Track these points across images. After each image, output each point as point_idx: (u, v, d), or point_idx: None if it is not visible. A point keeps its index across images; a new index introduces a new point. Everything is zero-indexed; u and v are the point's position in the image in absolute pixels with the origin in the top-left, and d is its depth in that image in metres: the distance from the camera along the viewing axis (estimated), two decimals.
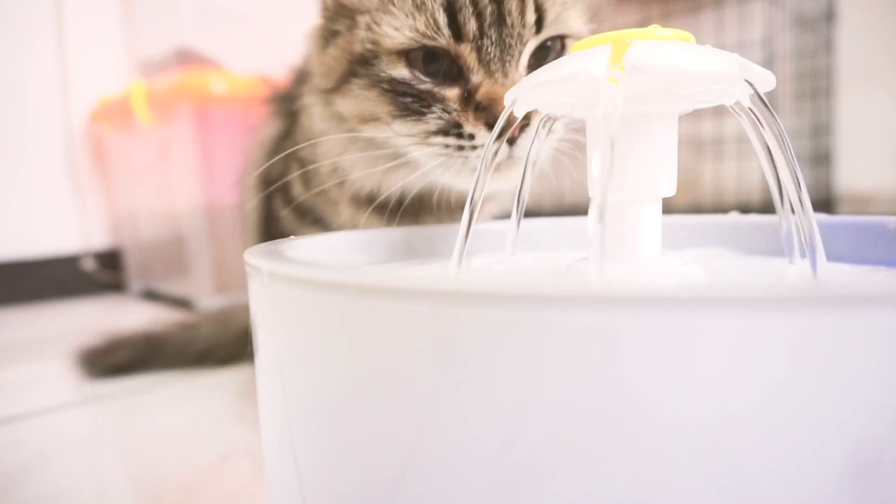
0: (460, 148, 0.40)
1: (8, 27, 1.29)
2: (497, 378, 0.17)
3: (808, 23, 1.41)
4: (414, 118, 0.41)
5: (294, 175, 0.53)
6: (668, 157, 0.28)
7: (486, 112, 0.39)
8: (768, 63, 1.24)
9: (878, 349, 0.15)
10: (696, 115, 0.34)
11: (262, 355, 0.26)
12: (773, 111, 0.26)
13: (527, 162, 0.33)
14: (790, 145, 0.27)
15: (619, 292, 0.16)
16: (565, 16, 0.42)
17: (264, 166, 0.58)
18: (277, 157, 0.52)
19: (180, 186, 1.17)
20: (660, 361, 0.16)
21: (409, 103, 0.41)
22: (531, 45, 0.40)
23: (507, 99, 0.30)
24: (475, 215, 0.31)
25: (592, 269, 0.21)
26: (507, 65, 0.39)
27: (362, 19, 0.42)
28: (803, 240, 0.28)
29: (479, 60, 0.39)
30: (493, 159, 0.35)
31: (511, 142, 0.39)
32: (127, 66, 1.44)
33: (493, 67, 0.39)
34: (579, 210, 0.42)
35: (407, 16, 0.39)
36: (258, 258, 0.24)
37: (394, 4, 0.40)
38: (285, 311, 0.23)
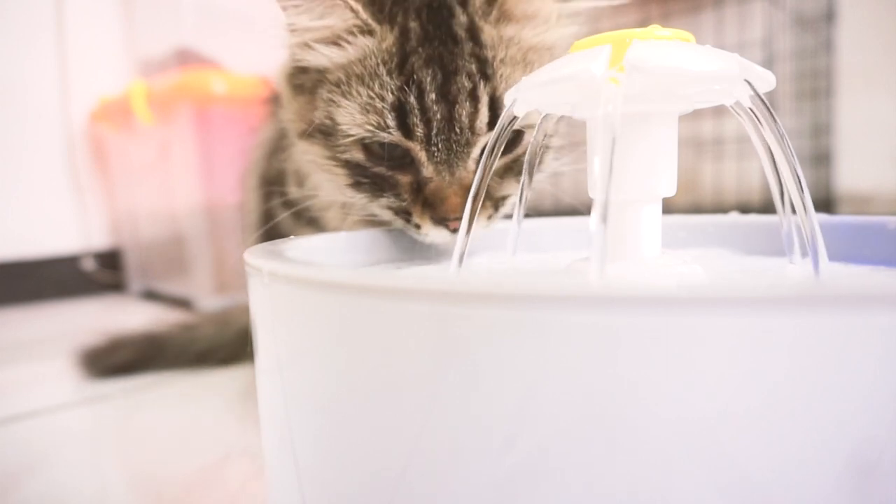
0: (406, 226, 0.41)
1: (8, 27, 1.29)
2: (497, 378, 0.17)
3: (808, 23, 1.41)
4: (367, 194, 0.42)
5: (290, 176, 0.53)
6: (668, 157, 0.28)
7: (432, 209, 0.39)
8: (768, 63, 1.24)
9: (879, 349, 0.15)
10: (696, 115, 0.34)
11: (262, 355, 0.26)
12: (773, 111, 0.26)
13: (526, 164, 0.33)
14: (790, 145, 0.26)
15: (619, 292, 0.16)
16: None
17: (263, 167, 0.58)
18: (275, 158, 0.53)
19: (180, 186, 1.17)
20: (660, 361, 0.16)
21: (362, 182, 0.42)
22: (482, 142, 0.39)
23: (507, 99, 0.30)
24: (475, 215, 0.31)
25: (593, 269, 0.21)
26: (455, 166, 0.39)
27: (321, 94, 0.42)
28: (805, 240, 0.28)
29: (429, 159, 0.39)
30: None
31: (455, 231, 0.40)
32: (127, 66, 1.44)
33: (440, 168, 0.39)
34: (579, 210, 0.42)
35: (361, 111, 0.39)
36: (258, 258, 0.24)
37: (348, 95, 0.40)
38: (285, 311, 0.23)
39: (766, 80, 0.26)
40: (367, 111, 0.39)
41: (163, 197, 1.24)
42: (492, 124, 0.39)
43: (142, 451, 0.53)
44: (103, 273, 1.42)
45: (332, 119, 0.41)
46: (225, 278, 1.15)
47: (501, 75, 0.39)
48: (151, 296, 1.37)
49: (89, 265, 1.41)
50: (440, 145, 0.38)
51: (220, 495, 0.44)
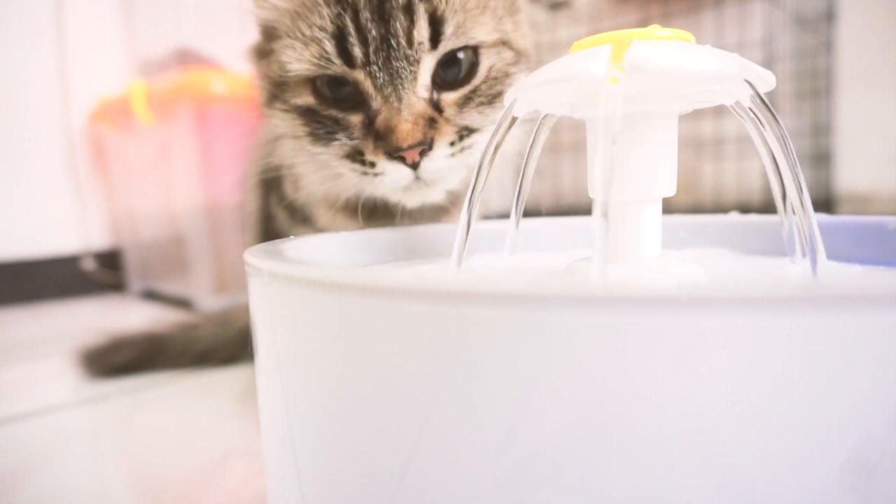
0: (365, 174, 0.40)
1: (8, 27, 1.29)
2: (497, 378, 0.17)
3: (808, 23, 1.41)
4: (324, 143, 0.41)
5: (285, 176, 0.53)
6: (668, 157, 0.28)
7: (384, 141, 0.38)
8: (768, 63, 1.24)
9: (879, 349, 0.15)
10: (696, 115, 0.34)
11: (262, 355, 0.26)
12: (773, 111, 0.26)
13: (528, 160, 0.33)
14: (791, 145, 0.27)
15: (619, 292, 0.16)
16: (471, 25, 0.39)
17: (261, 167, 0.58)
18: (272, 158, 0.53)
19: (180, 186, 1.17)
20: (660, 361, 0.16)
21: (317, 129, 0.41)
22: (428, 62, 0.39)
23: (507, 99, 0.30)
24: (474, 215, 0.31)
25: (594, 269, 0.21)
26: (400, 89, 0.38)
27: (276, 45, 0.42)
28: (804, 240, 0.28)
29: (374, 86, 0.39)
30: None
31: (414, 166, 0.39)
32: (127, 66, 1.44)
33: (386, 92, 0.38)
34: (579, 210, 0.42)
35: (304, 45, 0.39)
36: (258, 258, 0.24)
37: (293, 35, 0.40)
38: (285, 311, 0.23)
39: (766, 80, 0.26)
40: (310, 44, 0.39)
41: (163, 197, 1.24)
42: (434, 40, 0.38)
43: (142, 451, 0.53)
44: (103, 273, 1.42)
45: (282, 66, 0.41)
46: (225, 278, 1.15)
47: None
48: (151, 296, 1.37)
49: (89, 265, 1.41)
50: (380, 64, 0.38)
51: (220, 495, 0.43)
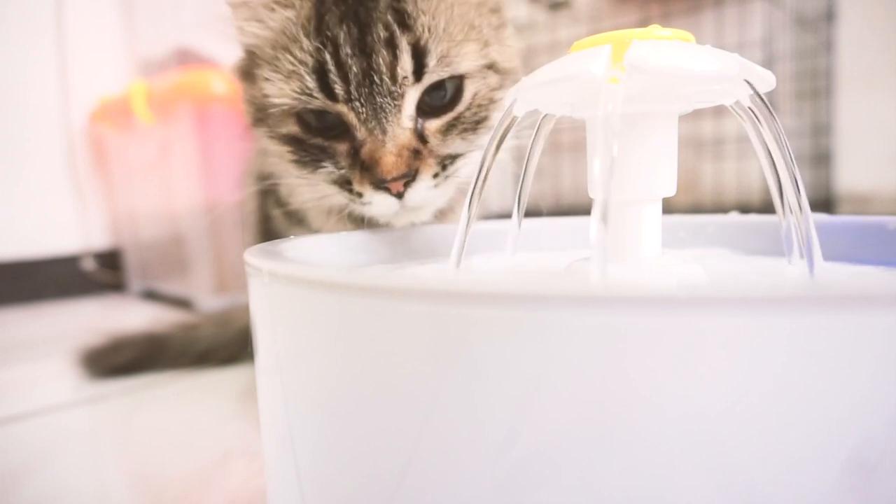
0: (353, 201, 0.41)
1: (8, 27, 1.29)
2: (497, 378, 0.17)
3: (808, 23, 1.41)
4: (311, 169, 0.42)
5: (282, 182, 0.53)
6: (668, 157, 0.28)
7: (370, 172, 0.38)
8: (768, 63, 1.24)
9: (879, 349, 0.15)
10: (696, 115, 0.34)
11: (262, 355, 0.26)
12: (772, 111, 0.26)
13: (528, 160, 0.33)
14: (788, 146, 0.27)
15: (620, 292, 0.16)
16: (455, 53, 0.39)
17: (258, 167, 0.59)
18: (265, 168, 0.53)
19: (180, 186, 1.17)
20: (660, 361, 0.16)
21: (304, 156, 0.41)
22: (412, 95, 0.39)
23: (508, 99, 0.30)
24: (473, 214, 0.31)
25: (594, 269, 0.21)
26: (384, 122, 0.38)
27: (258, 74, 0.42)
28: (801, 240, 0.28)
29: (358, 119, 0.38)
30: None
31: (399, 196, 0.39)
32: (127, 66, 1.44)
33: (370, 126, 0.38)
34: (579, 210, 0.42)
35: (285, 79, 0.39)
36: (258, 258, 0.24)
37: (274, 67, 0.40)
38: (285, 311, 0.23)
39: (766, 80, 0.26)
40: (290, 78, 0.39)
41: (163, 197, 1.24)
42: (418, 73, 0.38)
43: (142, 451, 0.53)
44: (103, 273, 1.42)
45: (265, 94, 0.41)
46: (225, 278, 1.15)
47: (423, 25, 0.38)
48: (151, 296, 1.37)
49: (89, 265, 1.41)
50: (363, 100, 0.38)
51: (220, 495, 0.43)
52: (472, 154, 0.42)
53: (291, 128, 0.41)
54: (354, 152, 0.40)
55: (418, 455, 0.19)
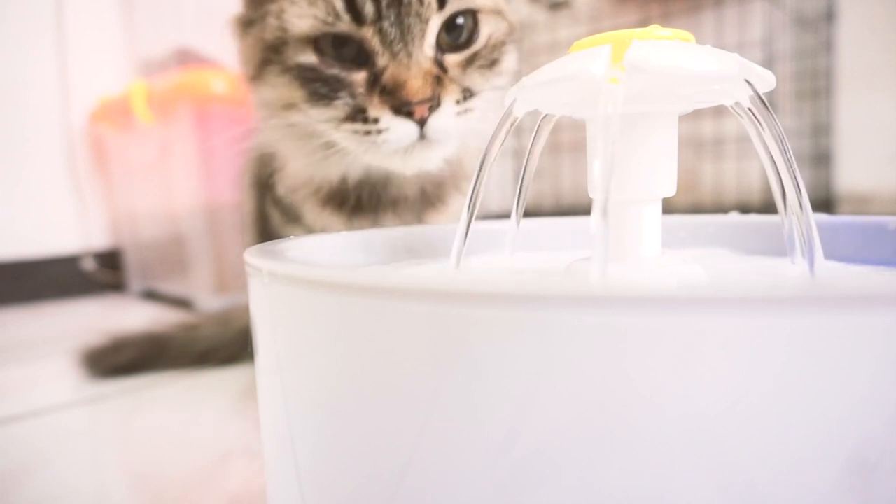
0: (367, 133, 0.40)
1: (8, 27, 1.29)
2: (497, 378, 0.17)
3: (808, 23, 1.41)
4: (324, 104, 0.41)
5: (276, 173, 0.53)
6: (668, 157, 0.28)
7: (392, 96, 0.38)
8: (768, 63, 1.24)
9: (879, 349, 0.15)
10: (696, 115, 0.34)
11: (262, 355, 0.26)
12: (772, 111, 0.26)
13: (528, 160, 0.33)
14: (788, 146, 0.26)
15: (620, 292, 0.16)
16: None
17: (256, 167, 0.59)
18: (263, 156, 0.53)
19: (180, 186, 1.17)
20: (660, 362, 0.16)
21: (319, 88, 0.41)
22: (435, 22, 0.40)
23: (508, 99, 0.30)
24: (474, 214, 0.31)
25: (594, 269, 0.21)
26: (410, 45, 0.39)
27: (272, 7, 0.42)
28: (802, 240, 0.28)
29: (383, 43, 0.39)
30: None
31: (421, 123, 0.39)
32: (127, 66, 1.44)
33: (395, 49, 0.39)
34: (579, 210, 0.42)
35: (308, 4, 0.39)
36: (258, 258, 0.24)
37: None
38: (285, 311, 0.23)
39: (766, 80, 0.26)
40: (314, 3, 0.39)
41: (163, 197, 1.24)
42: (441, 2, 0.39)
43: (142, 451, 0.53)
44: (103, 273, 1.42)
45: (282, 25, 0.41)
46: (225, 278, 1.15)
47: None
48: (151, 296, 1.37)
49: (89, 265, 1.41)
50: (392, 20, 0.38)
51: (220, 495, 0.43)
52: (486, 95, 0.42)
53: (308, 57, 0.41)
54: (374, 80, 0.39)
55: (418, 455, 0.19)
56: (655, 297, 0.15)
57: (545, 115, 0.32)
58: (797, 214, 0.27)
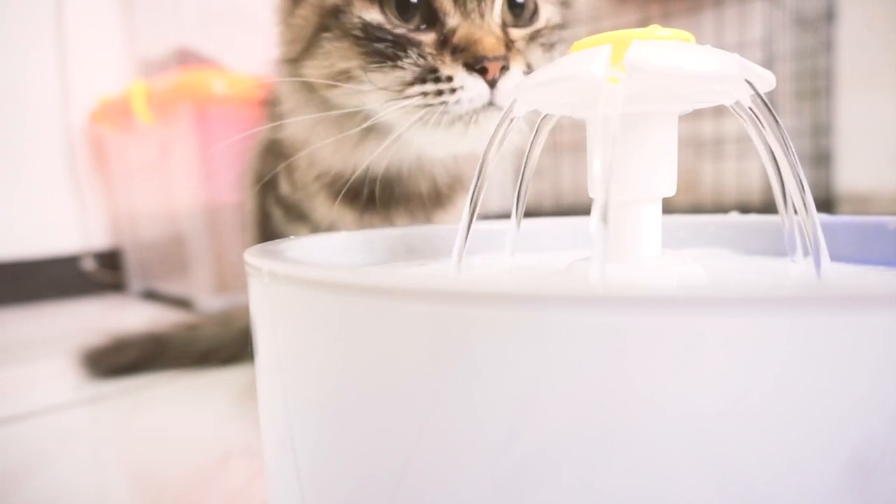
0: (439, 93, 0.39)
1: (8, 27, 1.29)
2: (497, 378, 0.17)
3: (808, 23, 1.41)
4: (389, 66, 0.40)
5: (281, 174, 0.53)
6: (668, 157, 0.28)
7: (464, 53, 0.38)
8: (768, 63, 1.24)
9: (879, 349, 0.15)
10: (696, 115, 0.34)
11: (262, 355, 0.26)
12: (773, 111, 0.26)
13: (528, 160, 0.33)
14: (791, 146, 0.26)
15: (620, 292, 0.16)
16: None
17: (258, 166, 0.59)
18: (266, 155, 0.53)
19: (180, 186, 1.17)
20: (660, 362, 0.16)
21: (384, 49, 0.40)
22: None
23: (508, 99, 0.29)
24: (475, 214, 0.31)
25: (594, 269, 0.21)
26: (483, 5, 0.39)
27: None
28: (808, 240, 0.28)
29: (455, 2, 0.39)
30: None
31: (492, 84, 0.39)
32: (127, 66, 1.44)
33: (469, 8, 0.39)
34: (579, 210, 0.42)
35: None
36: (258, 258, 0.24)
37: None
38: (285, 310, 0.23)
39: (766, 80, 0.26)
40: None
41: (163, 197, 1.24)
42: None
43: (142, 451, 0.53)
44: (103, 273, 1.42)
45: None
46: (225, 278, 1.15)
47: None
48: (151, 296, 1.37)
49: (89, 265, 1.41)
50: None
51: (220, 495, 0.43)
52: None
53: (375, 15, 0.41)
54: (443, 41, 0.40)
55: (418, 455, 0.19)
56: (655, 297, 0.15)
57: (545, 115, 0.32)
58: (801, 214, 0.27)
